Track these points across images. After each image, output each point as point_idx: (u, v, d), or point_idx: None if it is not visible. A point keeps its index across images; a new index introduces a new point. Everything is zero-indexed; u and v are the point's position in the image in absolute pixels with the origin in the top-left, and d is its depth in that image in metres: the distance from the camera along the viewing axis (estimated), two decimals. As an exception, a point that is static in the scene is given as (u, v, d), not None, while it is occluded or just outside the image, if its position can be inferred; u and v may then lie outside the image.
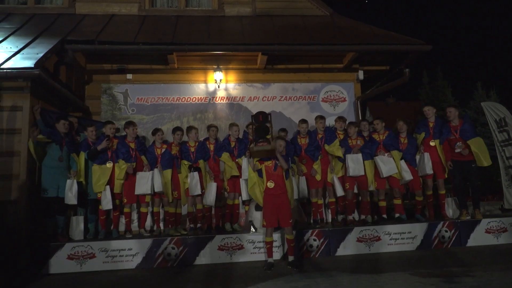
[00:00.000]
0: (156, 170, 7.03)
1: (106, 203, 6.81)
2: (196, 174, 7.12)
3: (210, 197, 7.08)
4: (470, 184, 7.42)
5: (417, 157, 7.48)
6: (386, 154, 7.33)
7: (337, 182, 7.42)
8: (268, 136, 6.21)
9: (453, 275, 4.98)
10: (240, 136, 7.72)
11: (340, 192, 7.37)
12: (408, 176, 7.28)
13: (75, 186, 6.59)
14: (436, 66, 28.21)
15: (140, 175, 7.00)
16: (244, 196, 7.27)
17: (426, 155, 7.33)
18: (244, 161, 7.17)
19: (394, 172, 7.26)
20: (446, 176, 7.52)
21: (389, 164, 7.27)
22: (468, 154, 7.17)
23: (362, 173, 7.27)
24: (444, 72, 26.72)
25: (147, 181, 6.93)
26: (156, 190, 7.01)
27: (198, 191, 7.07)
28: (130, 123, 7.30)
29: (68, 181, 6.58)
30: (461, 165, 7.23)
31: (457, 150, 7.15)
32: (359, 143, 7.41)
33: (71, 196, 6.54)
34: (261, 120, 6.16)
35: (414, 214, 7.58)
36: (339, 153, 7.36)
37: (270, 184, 5.93)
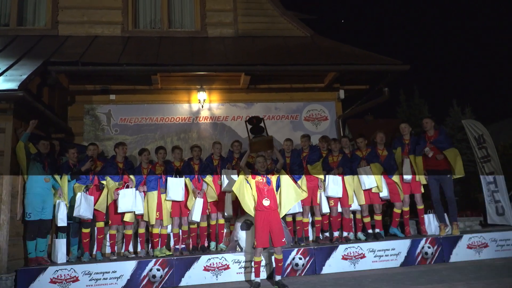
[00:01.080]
0: (137, 192, 7.00)
1: (61, 219, 6.65)
2: (182, 180, 7.12)
3: (197, 213, 7.04)
4: (445, 196, 7.53)
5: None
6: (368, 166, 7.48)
7: (324, 199, 7.51)
8: (264, 134, 6.22)
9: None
10: (224, 155, 7.77)
11: (325, 209, 7.46)
12: (385, 192, 7.47)
13: (62, 207, 6.57)
14: (412, 85, 28.93)
15: (123, 193, 6.94)
16: (228, 212, 7.29)
17: (407, 161, 7.54)
18: (224, 175, 7.25)
19: (374, 186, 7.38)
20: (423, 191, 7.69)
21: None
22: (443, 163, 7.36)
23: (340, 195, 7.37)
24: (420, 90, 27.43)
25: (130, 198, 6.88)
26: (137, 212, 6.98)
27: (179, 198, 7.05)
28: (120, 144, 7.37)
29: (57, 202, 6.55)
30: (437, 175, 7.43)
31: (429, 154, 7.32)
32: (337, 160, 7.54)
33: (61, 217, 6.54)
34: (255, 122, 6.19)
35: (389, 227, 7.72)
36: (321, 175, 7.50)
37: (266, 202, 5.89)
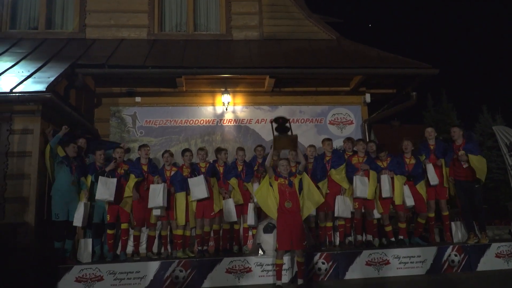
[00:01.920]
0: (164, 185, 7.00)
1: (78, 219, 6.67)
2: (201, 177, 7.09)
3: (231, 212, 7.09)
4: (474, 206, 7.34)
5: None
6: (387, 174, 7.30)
7: (341, 202, 7.34)
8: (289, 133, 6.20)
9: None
10: (248, 160, 7.77)
11: (340, 213, 7.31)
12: (409, 201, 7.28)
13: (81, 208, 6.64)
14: (440, 89, 28.29)
15: (152, 188, 6.97)
16: (250, 221, 7.26)
17: (429, 166, 7.33)
18: (253, 186, 7.21)
19: (364, 196, 7.17)
20: (448, 197, 7.51)
21: (364, 186, 7.20)
22: (471, 172, 7.14)
23: (368, 196, 7.22)
24: (448, 95, 26.73)
25: (159, 194, 6.89)
26: (161, 210, 7.01)
27: (204, 194, 7.01)
28: (143, 145, 7.48)
29: (80, 203, 6.66)
30: (464, 184, 7.23)
31: (465, 165, 7.12)
32: (363, 161, 7.41)
33: (77, 217, 6.61)
34: (281, 122, 6.18)
35: (412, 237, 7.54)
36: (345, 184, 7.40)
37: (288, 204, 5.89)
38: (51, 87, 6.62)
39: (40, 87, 6.56)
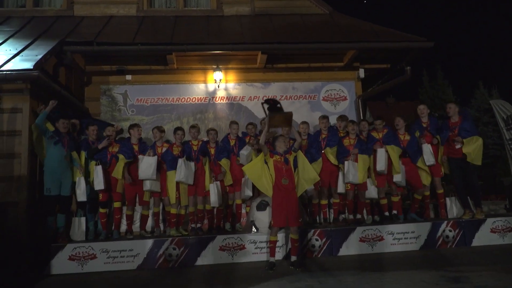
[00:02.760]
0: (156, 158, 6.90)
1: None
2: (192, 164, 7.03)
3: (215, 197, 7.02)
4: (469, 182, 7.30)
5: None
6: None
7: (341, 180, 7.29)
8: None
9: (459, 275, 4.91)
10: (240, 135, 7.68)
11: (341, 189, 7.29)
12: (396, 177, 7.20)
13: (82, 183, 6.62)
14: (436, 65, 28.07)
15: (145, 159, 6.84)
16: (247, 193, 7.20)
17: (425, 146, 7.25)
18: (244, 151, 7.14)
19: (355, 181, 7.08)
20: (443, 175, 7.47)
21: (356, 171, 7.09)
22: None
23: (358, 181, 7.11)
24: (444, 71, 26.53)
25: (151, 166, 6.80)
26: (153, 182, 6.90)
27: (190, 181, 6.96)
28: (134, 125, 7.33)
29: (77, 178, 6.62)
30: (459, 162, 7.16)
31: (458, 146, 7.05)
32: (354, 143, 7.30)
33: (79, 193, 6.60)
34: (271, 103, 6.13)
35: (408, 212, 7.50)
36: (335, 161, 7.33)
37: (285, 181, 5.83)
38: (38, 65, 6.48)
39: (28, 65, 6.43)
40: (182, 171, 6.84)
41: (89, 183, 6.87)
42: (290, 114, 6.08)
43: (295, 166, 6.16)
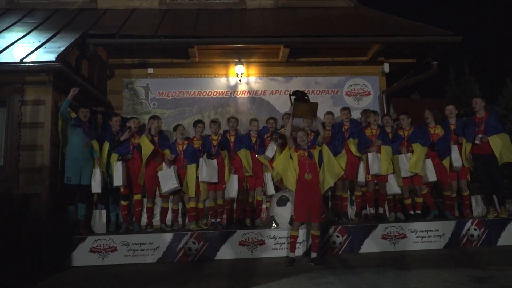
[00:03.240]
0: (174, 168, 6.94)
1: (117, 179, 6.71)
2: (214, 162, 7.00)
3: (232, 190, 6.99)
4: (494, 180, 7.07)
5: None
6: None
7: (362, 171, 7.14)
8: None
9: (484, 275, 4.75)
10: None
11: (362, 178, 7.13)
12: (431, 177, 6.99)
13: (98, 175, 6.61)
14: (462, 62, 27.41)
15: (162, 174, 6.91)
16: (270, 191, 7.12)
17: (455, 147, 7.02)
18: (269, 153, 7.07)
19: (379, 173, 6.95)
20: (469, 179, 7.27)
21: (379, 163, 6.98)
22: (490, 148, 6.85)
23: (382, 172, 7.00)
24: (471, 68, 25.75)
25: (171, 177, 6.84)
26: (175, 188, 6.93)
27: (214, 179, 6.93)
28: (154, 117, 7.35)
29: (95, 170, 6.61)
30: (484, 159, 6.94)
31: (477, 142, 6.87)
32: (376, 133, 7.20)
33: (94, 184, 6.58)
34: (299, 95, 6.06)
35: (443, 211, 7.27)
36: (356, 153, 7.22)
37: (308, 176, 5.75)
38: (61, 57, 6.53)
39: (50, 57, 6.50)
40: (204, 171, 6.82)
41: (110, 175, 6.88)
42: (315, 105, 6.01)
43: (320, 160, 6.08)
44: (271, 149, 7.07)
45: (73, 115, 6.64)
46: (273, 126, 7.49)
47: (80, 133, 6.58)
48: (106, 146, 6.92)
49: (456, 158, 7.01)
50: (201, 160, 6.87)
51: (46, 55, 6.59)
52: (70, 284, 5.22)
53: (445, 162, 7.12)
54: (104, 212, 6.90)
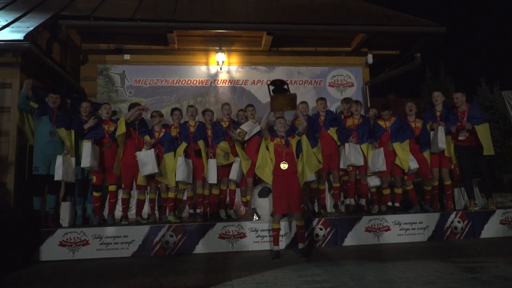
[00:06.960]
0: (152, 151, 6.64)
1: (85, 158, 6.24)
2: (190, 161, 6.77)
3: (213, 174, 6.73)
4: (479, 172, 7.12)
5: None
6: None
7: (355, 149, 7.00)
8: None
9: (474, 265, 4.71)
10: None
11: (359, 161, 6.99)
12: (413, 164, 6.92)
13: (59, 161, 6.09)
14: (439, 62, 27.76)
15: (142, 155, 6.58)
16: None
17: (441, 129, 6.90)
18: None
19: (360, 164, 6.91)
20: (451, 167, 7.23)
21: (358, 154, 6.94)
22: (474, 140, 6.86)
23: (362, 163, 6.95)
24: (447, 68, 26.18)
25: (152, 160, 6.53)
26: (154, 173, 6.61)
27: (190, 180, 6.73)
28: (134, 104, 7.08)
29: (58, 157, 6.12)
30: (468, 151, 6.92)
31: (461, 138, 6.88)
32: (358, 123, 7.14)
33: (57, 172, 6.09)
34: (278, 84, 5.78)
35: (423, 205, 7.22)
36: (336, 138, 7.17)
37: (284, 166, 5.53)
38: (30, 37, 6.09)
39: (18, 36, 6.05)
40: (182, 170, 6.56)
41: (79, 165, 6.44)
42: (294, 96, 5.68)
43: (299, 151, 5.86)
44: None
45: (34, 104, 6.16)
46: (252, 114, 7.21)
47: (46, 121, 6.16)
48: (73, 133, 6.47)
49: (442, 139, 6.88)
50: (180, 159, 6.58)
51: (14, 34, 6.13)
52: (38, 279, 4.86)
53: (426, 155, 7.05)
54: (71, 204, 6.51)
